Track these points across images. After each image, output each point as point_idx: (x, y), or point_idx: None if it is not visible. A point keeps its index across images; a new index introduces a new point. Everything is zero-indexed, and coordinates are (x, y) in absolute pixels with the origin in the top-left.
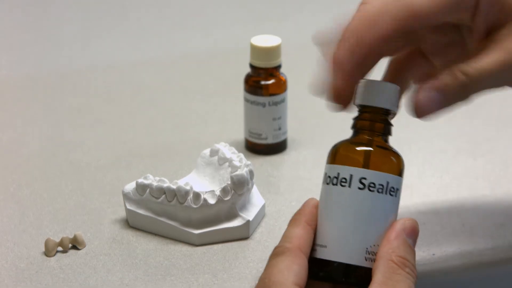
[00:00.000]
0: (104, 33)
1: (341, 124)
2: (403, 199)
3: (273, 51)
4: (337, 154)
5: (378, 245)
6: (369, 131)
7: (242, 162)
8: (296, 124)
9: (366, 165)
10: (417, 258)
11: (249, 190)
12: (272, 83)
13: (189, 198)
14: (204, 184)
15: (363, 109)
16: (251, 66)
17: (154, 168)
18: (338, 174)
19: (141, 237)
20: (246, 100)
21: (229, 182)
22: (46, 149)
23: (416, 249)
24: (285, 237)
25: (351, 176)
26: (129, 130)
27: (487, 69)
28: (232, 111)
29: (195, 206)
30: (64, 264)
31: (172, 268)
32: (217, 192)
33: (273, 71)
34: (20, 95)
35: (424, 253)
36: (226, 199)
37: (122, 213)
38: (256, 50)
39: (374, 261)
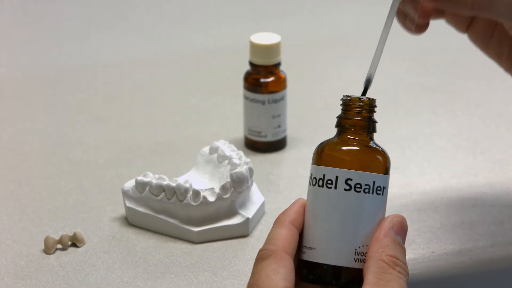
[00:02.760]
0: (104, 30)
1: None
2: (403, 197)
3: (273, 49)
4: (322, 155)
5: (367, 245)
6: (353, 130)
7: (241, 160)
8: (296, 121)
9: (351, 166)
10: (416, 255)
11: (248, 187)
12: (272, 81)
13: (188, 195)
14: (204, 181)
15: (346, 107)
16: (251, 63)
17: (154, 166)
18: (324, 175)
19: (140, 234)
20: (246, 97)
21: (229, 180)
22: (45, 147)
23: (416, 246)
24: (269, 239)
25: (336, 177)
26: (128, 128)
27: None
28: (231, 108)
29: (194, 204)
30: (64, 262)
31: (172, 266)
32: (217, 190)
33: (273, 69)
34: (19, 93)
35: (424, 250)
36: (225, 196)
37: (122, 211)
38: (255, 48)
39: (365, 262)
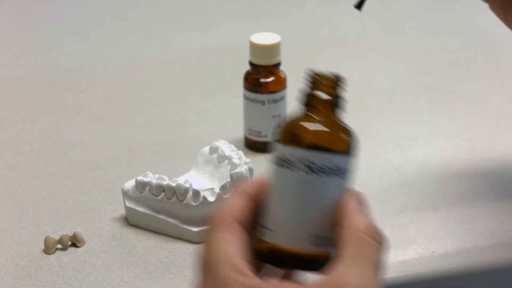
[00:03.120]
0: (104, 30)
1: None
2: (403, 196)
3: (273, 49)
4: (283, 133)
5: (325, 229)
6: (317, 107)
7: (241, 160)
8: None
9: (312, 146)
10: (416, 255)
11: None
12: (272, 81)
13: (188, 195)
14: (204, 181)
15: (311, 84)
16: (251, 63)
17: (154, 166)
18: (283, 154)
19: (140, 234)
20: (246, 97)
21: (229, 180)
22: (45, 147)
23: (416, 246)
24: (220, 208)
25: (295, 157)
26: (128, 128)
27: None
28: (231, 108)
29: (194, 204)
30: (64, 262)
31: (172, 266)
32: (217, 190)
33: (273, 69)
34: (19, 93)
35: (424, 250)
36: (225, 196)
37: (122, 211)
38: (255, 48)
39: (323, 246)
